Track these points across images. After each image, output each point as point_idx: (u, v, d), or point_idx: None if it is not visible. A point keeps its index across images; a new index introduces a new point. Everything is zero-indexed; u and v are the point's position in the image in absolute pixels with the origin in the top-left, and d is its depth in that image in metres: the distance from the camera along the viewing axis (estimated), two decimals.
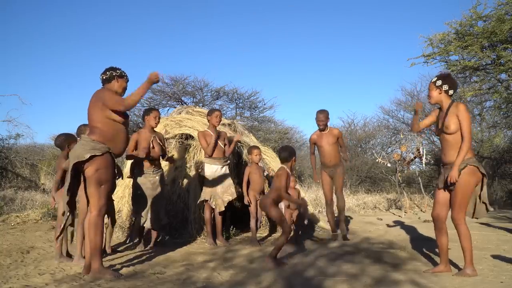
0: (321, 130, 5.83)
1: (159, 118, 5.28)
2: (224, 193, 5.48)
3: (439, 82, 3.77)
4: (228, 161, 5.70)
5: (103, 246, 4.52)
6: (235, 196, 5.62)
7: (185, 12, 34.54)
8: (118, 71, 3.91)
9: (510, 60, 8.28)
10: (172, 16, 34.43)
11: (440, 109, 3.85)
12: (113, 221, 4.98)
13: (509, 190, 14.07)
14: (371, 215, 9.24)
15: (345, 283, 3.47)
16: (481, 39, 8.67)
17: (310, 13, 35.55)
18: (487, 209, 3.73)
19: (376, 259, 4.39)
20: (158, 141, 5.21)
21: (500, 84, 9.55)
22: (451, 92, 3.75)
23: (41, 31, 31.35)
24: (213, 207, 5.42)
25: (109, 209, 4.44)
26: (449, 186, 3.68)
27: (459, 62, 9.26)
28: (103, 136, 3.67)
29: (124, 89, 3.96)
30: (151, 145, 5.10)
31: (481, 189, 3.69)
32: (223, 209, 5.45)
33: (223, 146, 5.57)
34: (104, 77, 3.87)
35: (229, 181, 5.59)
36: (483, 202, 3.71)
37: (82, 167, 3.63)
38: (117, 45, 33.09)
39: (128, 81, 4.00)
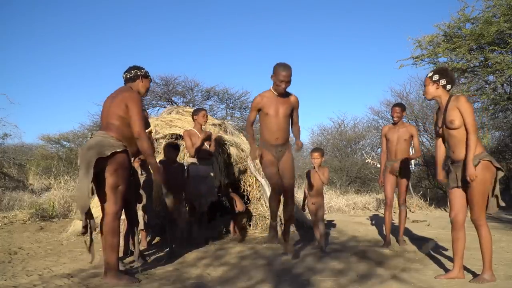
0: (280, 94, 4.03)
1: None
2: (208, 194, 5.36)
3: (435, 77, 3.54)
4: (213, 161, 5.62)
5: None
6: (216, 198, 5.58)
7: (176, 11, 34.49)
8: (143, 70, 3.78)
9: (498, 62, 8.39)
10: (162, 16, 34.36)
11: (439, 108, 3.63)
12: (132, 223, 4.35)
13: None
14: (361, 215, 9.31)
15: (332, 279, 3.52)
16: (469, 41, 8.78)
17: (301, 14, 35.74)
18: (498, 204, 3.47)
19: (361, 257, 4.51)
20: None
21: (487, 85, 9.70)
22: (448, 87, 3.54)
23: (33, 30, 31.05)
24: (196, 207, 5.31)
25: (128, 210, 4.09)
26: (465, 185, 3.42)
27: (448, 64, 9.36)
28: (120, 134, 3.48)
29: (147, 89, 3.86)
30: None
31: (495, 183, 3.43)
32: (206, 209, 5.40)
33: (208, 146, 5.48)
34: (128, 76, 3.73)
35: (212, 182, 5.54)
36: (495, 196, 3.45)
37: (102, 165, 3.36)
38: (106, 45, 32.85)
39: (151, 81, 3.90)
